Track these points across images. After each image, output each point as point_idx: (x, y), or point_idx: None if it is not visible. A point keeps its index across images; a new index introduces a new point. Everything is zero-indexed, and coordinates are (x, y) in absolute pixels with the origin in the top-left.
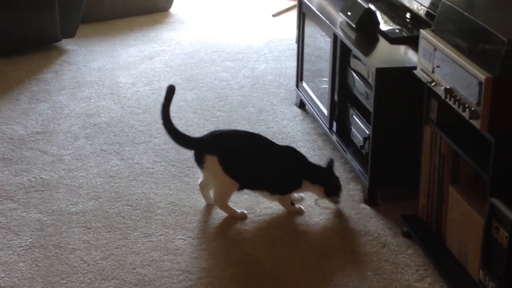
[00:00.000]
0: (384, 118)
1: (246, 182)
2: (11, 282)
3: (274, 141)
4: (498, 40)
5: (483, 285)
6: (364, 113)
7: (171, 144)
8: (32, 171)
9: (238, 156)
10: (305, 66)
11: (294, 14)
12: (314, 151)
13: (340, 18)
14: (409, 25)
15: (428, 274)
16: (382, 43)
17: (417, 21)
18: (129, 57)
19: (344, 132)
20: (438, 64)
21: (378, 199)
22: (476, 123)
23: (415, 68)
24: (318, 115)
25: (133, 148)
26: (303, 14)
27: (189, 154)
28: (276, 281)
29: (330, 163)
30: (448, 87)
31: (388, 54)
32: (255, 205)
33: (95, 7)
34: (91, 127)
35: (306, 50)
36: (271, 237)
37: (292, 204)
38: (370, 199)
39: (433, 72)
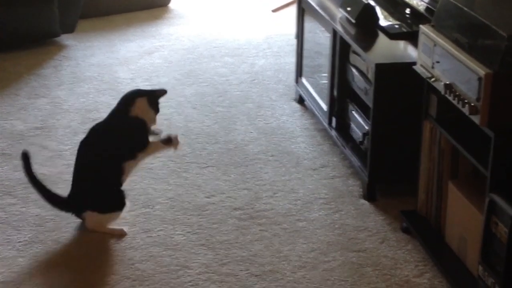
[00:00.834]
0: (384, 114)
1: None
2: (10, 277)
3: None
4: (498, 35)
5: (482, 280)
6: (363, 108)
7: None
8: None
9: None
10: (305, 61)
11: (293, 9)
12: (313, 147)
13: (339, 13)
14: (409, 21)
15: (427, 270)
16: (382, 38)
17: (417, 17)
18: (128, 52)
19: (343, 128)
20: (438, 59)
21: (377, 194)
22: (475, 119)
23: (414, 63)
24: (317, 111)
25: None
26: (303, 9)
27: (188, 149)
28: (275, 277)
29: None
30: (447, 82)
31: (387, 49)
32: (254, 201)
33: (94, 2)
34: (90, 122)
35: (305, 45)
36: (270, 233)
37: (169, 140)
38: (369, 195)
39: (432, 67)
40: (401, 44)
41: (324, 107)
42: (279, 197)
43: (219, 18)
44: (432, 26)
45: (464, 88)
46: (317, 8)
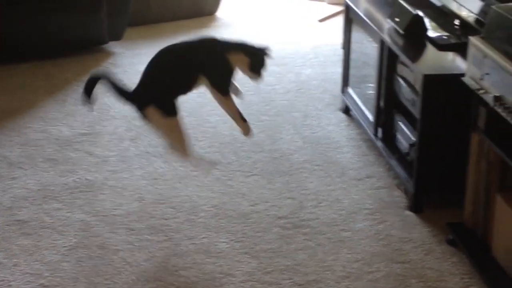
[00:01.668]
0: (431, 125)
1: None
2: (55, 282)
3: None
4: None
5: None
6: (410, 119)
7: (215, 147)
8: (77, 172)
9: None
10: (351, 71)
11: (340, 19)
12: (359, 157)
13: (387, 24)
14: (458, 32)
15: (473, 283)
16: (430, 49)
17: (466, 28)
18: None
19: (389, 139)
20: (488, 71)
21: (423, 206)
22: None
23: (463, 75)
24: (363, 121)
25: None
26: (350, 19)
27: (234, 157)
28: (319, 286)
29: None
30: (497, 94)
31: (436, 60)
32: (298, 210)
33: (142, 10)
34: (136, 129)
35: (352, 55)
36: (314, 243)
37: (244, 119)
38: (415, 206)
39: (481, 79)
40: (450, 55)
41: (370, 117)
42: (323, 207)
43: (266, 27)
44: (482, 37)
45: None
46: (364, 18)
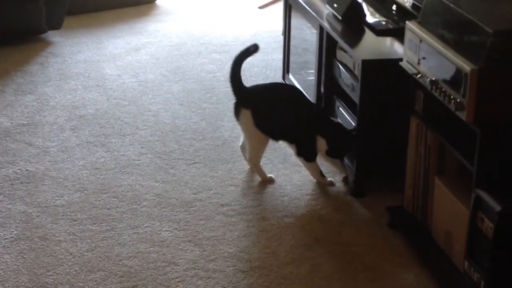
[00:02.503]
0: (370, 110)
1: (274, 135)
2: None
3: None
4: (483, 31)
5: (468, 275)
6: (350, 105)
7: (157, 136)
8: (17, 163)
9: (269, 110)
10: (292, 58)
11: (280, 6)
12: None
13: (326, 10)
14: (395, 17)
15: (414, 265)
16: (368, 35)
17: (403, 13)
18: (115, 49)
19: None
20: (424, 55)
21: (365, 190)
22: (461, 115)
23: (401, 60)
24: None
25: (119, 140)
26: (289, 6)
27: (175, 146)
28: (262, 273)
29: (350, 136)
30: (433, 78)
31: (374, 46)
32: (241, 197)
33: None
34: (77, 119)
35: (292, 42)
36: (258, 229)
37: (323, 175)
38: (357, 191)
39: (418, 63)
40: (388, 40)
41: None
42: (266, 193)
43: (206, 15)
44: (418, 22)
45: (449, 84)
46: (303, 4)
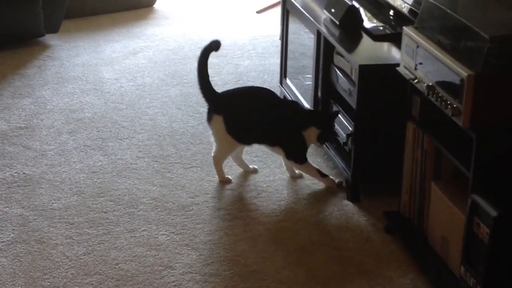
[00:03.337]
0: (367, 115)
1: (250, 140)
2: None
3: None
4: (480, 37)
5: (464, 281)
6: (347, 110)
7: (154, 140)
8: (14, 166)
9: (243, 116)
10: (289, 62)
11: (278, 10)
12: None
13: (324, 15)
14: (393, 23)
15: (410, 270)
16: (366, 40)
17: (401, 19)
18: (113, 52)
19: None
20: (421, 61)
21: (361, 195)
22: (458, 120)
23: (398, 65)
24: None
25: (116, 144)
26: (287, 11)
27: (173, 149)
28: (259, 277)
29: (335, 113)
30: (430, 84)
31: (371, 51)
32: (238, 201)
33: (79, 3)
34: (74, 122)
35: (290, 47)
36: (254, 233)
37: (324, 175)
38: (353, 196)
39: (415, 69)
40: (385, 45)
41: (309, 108)
42: (263, 198)
43: (204, 19)
44: (415, 28)
45: (446, 90)
46: (301, 9)
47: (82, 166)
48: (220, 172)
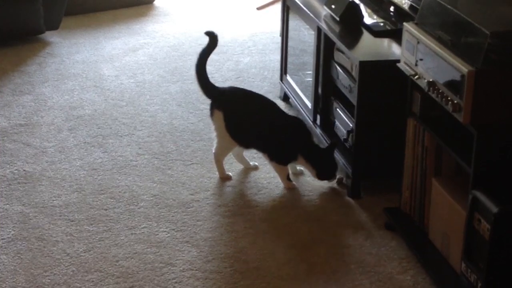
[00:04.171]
0: (368, 111)
1: (245, 142)
2: None
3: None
4: (480, 33)
5: (465, 277)
6: (347, 106)
7: (154, 137)
8: (15, 164)
9: (242, 117)
10: (289, 59)
11: (278, 7)
12: None
13: (324, 11)
14: (393, 19)
15: (411, 266)
16: (366, 36)
17: (401, 15)
18: (113, 49)
19: (328, 125)
20: (421, 57)
21: (362, 192)
22: (458, 116)
23: (398, 61)
24: (302, 108)
25: (116, 141)
26: (287, 7)
27: (173, 146)
28: (260, 273)
29: (331, 146)
30: (431, 80)
31: (371, 47)
32: (238, 198)
33: None
34: (74, 119)
35: (290, 43)
36: (255, 230)
37: (289, 179)
38: (354, 192)
39: (416, 65)
40: (385, 42)
41: (309, 104)
42: (263, 195)
43: (204, 16)
44: (416, 23)
45: (447, 86)
46: (301, 5)
47: (82, 163)
48: (220, 169)
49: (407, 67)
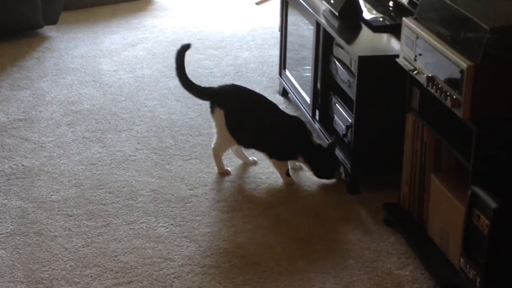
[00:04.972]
0: (367, 107)
1: (245, 141)
2: None
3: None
4: (480, 28)
5: (464, 272)
6: (346, 101)
7: (153, 131)
8: (13, 158)
9: (242, 115)
10: (288, 54)
11: (277, 2)
12: None
13: (323, 6)
14: (392, 14)
15: (410, 262)
16: (365, 31)
17: (400, 10)
18: (111, 44)
19: (326, 120)
20: (420, 52)
21: (360, 187)
22: (457, 112)
23: (397, 56)
24: (301, 103)
25: (115, 136)
26: (286, 2)
27: (172, 141)
28: (258, 269)
29: (331, 146)
30: (430, 75)
31: (370, 42)
32: (237, 193)
33: None
34: (73, 114)
35: (289, 38)
36: (254, 225)
37: (288, 174)
38: (353, 187)
39: (415, 60)
40: (385, 37)
41: (308, 99)
42: (262, 190)
43: (203, 11)
44: (415, 18)
45: (446, 81)
46: (300, 0)
47: (81, 158)
48: (219, 164)
49: (406, 62)
